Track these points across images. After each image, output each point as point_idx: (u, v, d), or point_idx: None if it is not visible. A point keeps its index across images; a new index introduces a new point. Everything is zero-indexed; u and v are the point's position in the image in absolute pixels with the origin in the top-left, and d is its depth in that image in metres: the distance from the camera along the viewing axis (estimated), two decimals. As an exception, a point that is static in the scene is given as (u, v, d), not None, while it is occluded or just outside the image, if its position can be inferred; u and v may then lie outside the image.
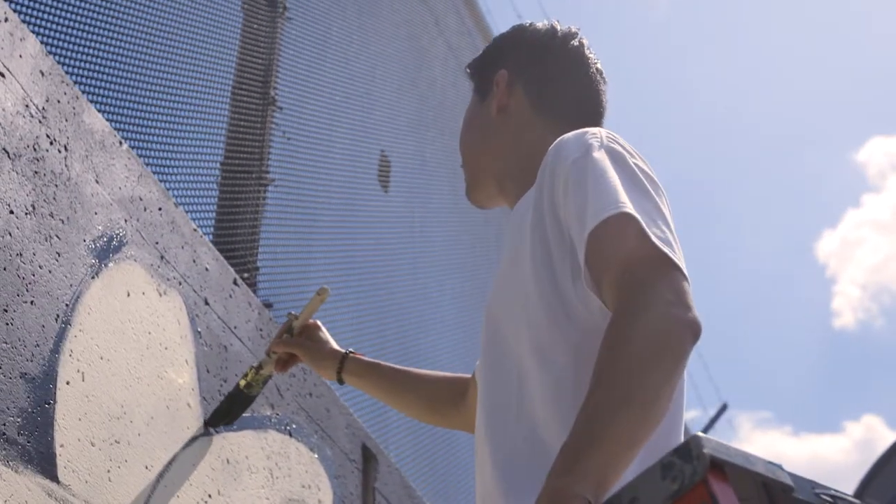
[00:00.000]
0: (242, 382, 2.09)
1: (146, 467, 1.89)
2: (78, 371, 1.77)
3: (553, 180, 1.42)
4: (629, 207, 1.30)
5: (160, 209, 2.15)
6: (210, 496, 2.06)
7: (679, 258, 1.28)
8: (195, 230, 2.28)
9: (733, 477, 1.00)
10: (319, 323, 2.12)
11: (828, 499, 1.02)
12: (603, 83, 1.72)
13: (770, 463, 1.02)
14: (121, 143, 2.08)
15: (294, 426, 2.48)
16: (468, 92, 1.85)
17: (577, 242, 1.34)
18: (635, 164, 1.40)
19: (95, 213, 1.93)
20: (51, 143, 1.86)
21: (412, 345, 3.80)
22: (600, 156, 1.39)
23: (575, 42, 1.71)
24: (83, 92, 2.04)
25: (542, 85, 1.70)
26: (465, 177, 1.77)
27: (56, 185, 1.85)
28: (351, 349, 2.06)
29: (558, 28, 1.72)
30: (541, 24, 1.74)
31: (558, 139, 1.49)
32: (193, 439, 2.06)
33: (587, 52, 1.72)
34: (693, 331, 1.21)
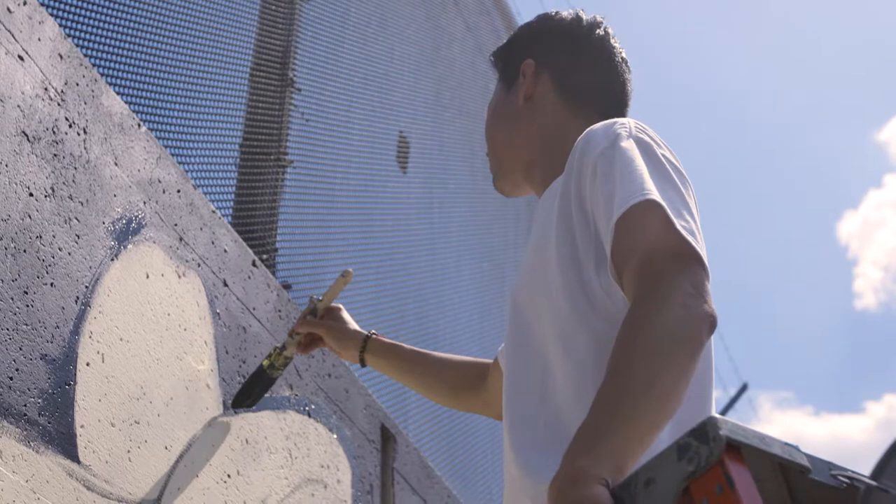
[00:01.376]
0: (265, 363, 2.10)
1: (166, 448, 1.90)
2: (98, 352, 1.79)
3: (581, 170, 1.43)
4: (655, 195, 1.31)
5: (179, 191, 2.16)
6: (229, 476, 2.07)
7: (702, 249, 1.29)
8: (214, 212, 2.28)
9: (749, 458, 0.99)
10: (342, 306, 2.14)
11: (845, 480, 1.01)
12: (628, 72, 1.73)
13: (787, 444, 1.02)
14: (139, 125, 2.09)
15: (313, 407, 2.49)
16: (487, 72, 1.87)
17: (603, 231, 1.35)
18: (663, 154, 1.41)
19: (114, 196, 1.94)
20: (70, 126, 1.87)
21: (431, 325, 3.81)
22: (629, 145, 1.39)
23: (600, 31, 1.72)
24: (102, 75, 2.04)
25: (568, 74, 1.70)
26: (491, 166, 1.77)
27: (75, 168, 1.85)
28: (373, 331, 2.08)
29: (584, 17, 1.73)
30: (566, 13, 1.75)
31: (587, 129, 1.50)
32: (213, 420, 2.07)
33: (612, 41, 1.72)
34: (710, 323, 1.23)
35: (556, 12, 1.76)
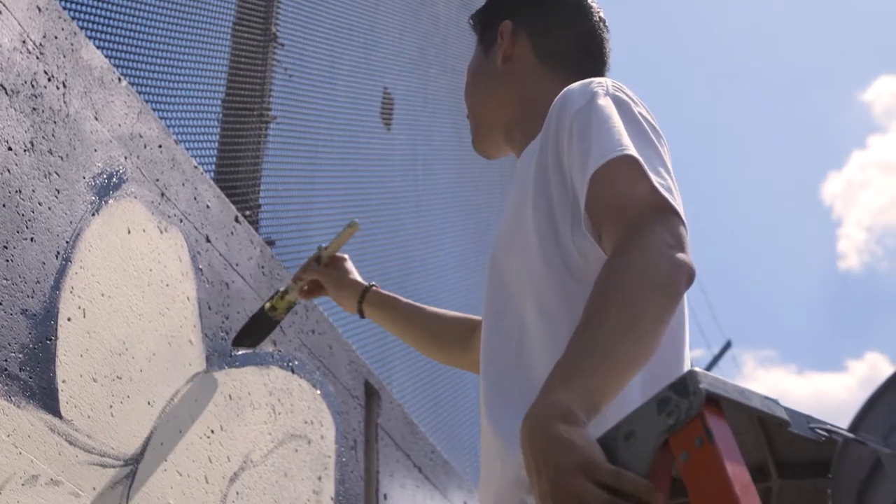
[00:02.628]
0: (267, 305, 2.16)
1: (148, 403, 1.90)
2: (79, 307, 1.78)
3: (558, 129, 1.44)
4: (632, 150, 1.32)
5: (160, 146, 2.14)
6: (213, 431, 2.07)
7: (678, 204, 1.30)
8: (196, 167, 2.27)
9: (729, 412, 1.00)
10: (347, 256, 2.21)
11: (823, 433, 1.02)
12: (606, 32, 1.74)
13: (766, 398, 1.03)
14: (120, 79, 2.06)
15: (296, 363, 2.49)
16: (471, 29, 1.84)
17: (579, 187, 1.35)
18: (639, 112, 1.41)
19: (95, 150, 1.93)
20: (49, 80, 1.85)
21: (414, 284, 3.81)
22: (605, 103, 1.40)
23: None
24: (81, 28, 2.02)
25: (546, 34, 1.70)
26: (470, 127, 1.78)
27: (55, 122, 1.83)
28: (374, 283, 2.14)
29: None
30: None
31: (564, 89, 1.50)
32: (196, 375, 2.07)
33: (590, 1, 1.73)
34: (688, 273, 1.24)
35: None
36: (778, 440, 1.07)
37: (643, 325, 1.16)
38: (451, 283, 4.30)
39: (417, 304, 2.15)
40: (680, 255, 1.22)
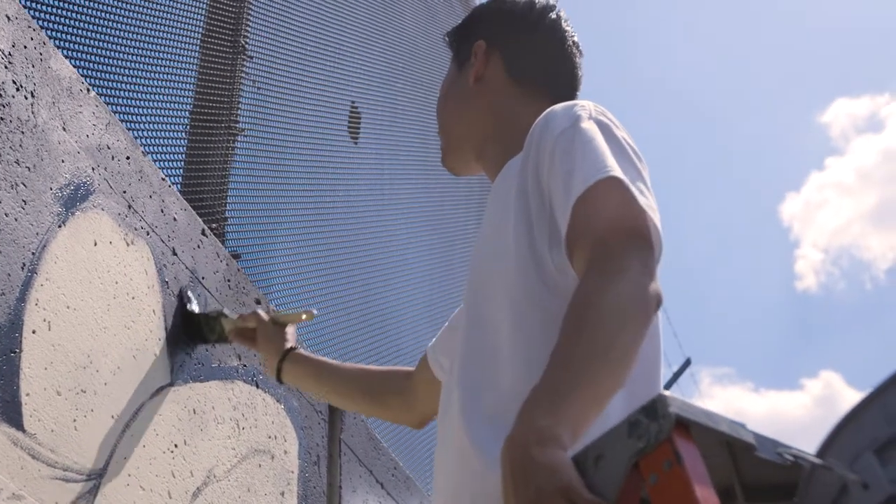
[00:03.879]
0: (201, 318, 2.20)
1: (112, 417, 1.89)
2: (44, 320, 1.76)
3: (539, 149, 1.46)
4: (618, 172, 1.34)
5: (128, 158, 2.13)
6: (176, 446, 2.06)
7: (659, 225, 1.33)
8: (163, 179, 2.26)
9: (697, 435, 1.01)
10: (291, 331, 2.15)
11: (790, 458, 1.03)
12: (579, 55, 1.77)
13: (733, 422, 1.04)
14: (88, 90, 2.05)
15: (261, 377, 2.48)
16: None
17: (561, 208, 1.38)
18: (622, 136, 1.44)
19: (62, 161, 1.91)
20: (17, 90, 1.84)
21: (378, 298, 3.81)
22: (589, 126, 1.43)
23: (553, 15, 1.75)
24: (50, 38, 2.01)
25: (519, 55, 1.73)
26: (441, 144, 1.79)
27: (22, 132, 1.82)
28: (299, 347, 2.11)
29: (537, 1, 1.75)
30: None
31: (547, 110, 1.53)
32: (160, 389, 2.06)
33: (564, 24, 1.75)
34: (657, 300, 1.27)
35: None
36: (744, 463, 1.08)
37: (617, 353, 1.18)
38: (415, 297, 4.30)
39: (338, 362, 2.11)
40: (649, 284, 1.25)
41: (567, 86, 1.73)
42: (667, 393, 1.01)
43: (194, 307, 2.22)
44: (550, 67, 1.73)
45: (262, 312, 2.15)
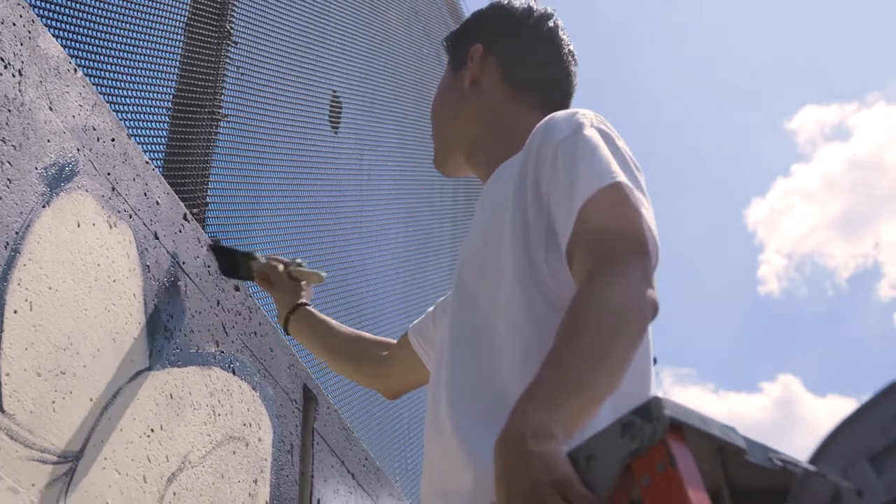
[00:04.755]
0: (250, 261, 2.42)
1: (91, 399, 1.88)
2: (26, 300, 1.75)
3: (539, 155, 1.47)
4: (622, 177, 1.36)
5: (113, 140, 2.12)
6: (153, 430, 2.05)
7: (656, 237, 1.36)
8: (147, 163, 2.25)
9: (689, 438, 1.02)
10: (306, 286, 2.40)
11: (779, 463, 1.05)
12: (574, 64, 1.79)
13: (725, 426, 1.05)
14: (76, 70, 2.04)
15: (238, 364, 2.47)
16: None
17: (562, 214, 1.39)
18: (623, 147, 1.46)
19: (48, 141, 1.90)
20: (4, 67, 1.82)
21: (354, 290, 3.80)
22: (591, 133, 1.44)
23: (550, 23, 1.77)
24: (39, 16, 1.99)
25: (515, 61, 1.75)
26: (434, 145, 1.81)
27: (9, 111, 1.80)
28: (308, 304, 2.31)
29: (535, 8, 1.78)
30: (518, 2, 1.80)
31: (548, 117, 1.54)
32: (138, 373, 2.05)
33: (561, 33, 1.77)
34: (654, 308, 1.29)
35: (509, 2, 1.81)
36: (734, 468, 1.10)
37: (613, 358, 1.20)
38: (389, 289, 4.30)
39: (338, 324, 2.28)
40: (647, 291, 1.27)
41: (561, 93, 1.75)
42: (661, 395, 1.02)
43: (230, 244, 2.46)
44: (545, 74, 1.74)
45: (283, 262, 2.39)
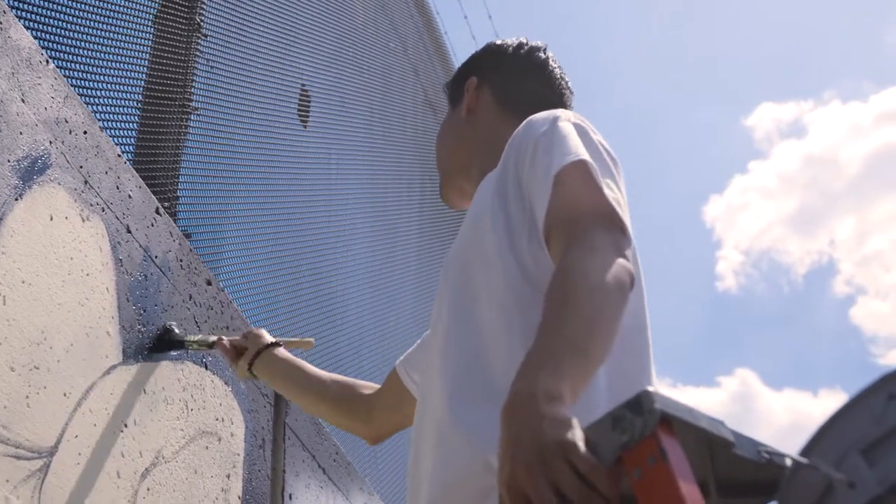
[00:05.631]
0: (190, 340, 2.26)
1: (65, 395, 1.86)
2: (0, 294, 1.73)
3: (519, 151, 1.52)
4: (587, 156, 1.41)
5: (85, 133, 2.10)
6: (126, 426, 2.04)
7: (627, 219, 1.39)
8: (119, 156, 2.23)
9: (678, 431, 1.03)
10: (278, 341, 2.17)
11: (766, 456, 1.05)
12: (569, 92, 1.86)
13: (713, 419, 1.06)
14: (47, 62, 2.02)
15: (210, 359, 2.46)
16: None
17: (539, 198, 1.42)
18: (598, 140, 1.50)
19: (20, 133, 1.88)
20: (-23, 57, 1.80)
21: (325, 284, 3.79)
22: (566, 126, 1.49)
23: (541, 53, 1.85)
24: (10, 6, 1.96)
25: (508, 87, 1.82)
26: (439, 179, 1.88)
27: (-19, 102, 1.78)
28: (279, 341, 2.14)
29: (526, 42, 1.87)
30: (511, 39, 1.89)
31: (527, 118, 1.59)
32: (112, 368, 2.03)
33: (552, 62, 1.85)
34: (631, 277, 1.31)
35: (502, 40, 1.90)
36: (720, 460, 1.10)
37: (602, 325, 1.21)
38: (359, 282, 4.29)
39: (311, 366, 2.12)
40: (620, 261, 1.30)
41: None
42: (652, 388, 1.02)
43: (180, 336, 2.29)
44: (537, 95, 1.80)
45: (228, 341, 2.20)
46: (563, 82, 1.84)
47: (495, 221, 1.49)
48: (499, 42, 1.89)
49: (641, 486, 0.99)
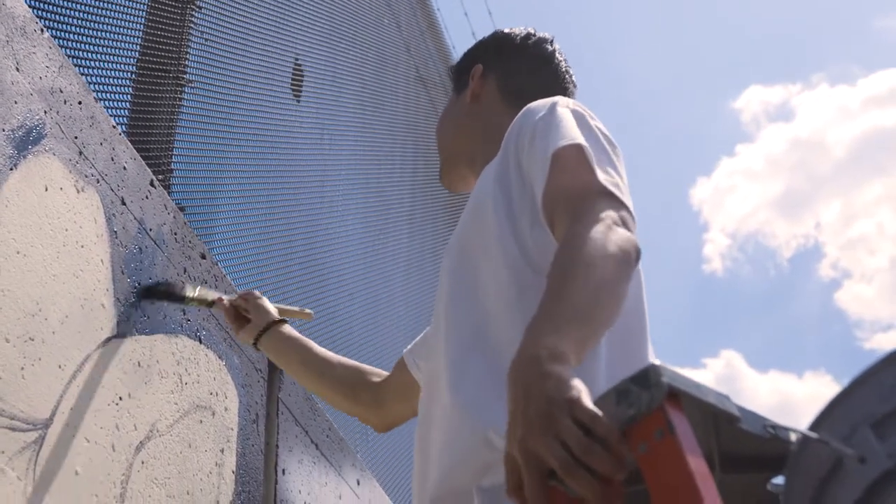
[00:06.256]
0: (190, 293, 2.24)
1: (59, 367, 1.85)
2: (-6, 265, 1.71)
3: (518, 137, 1.54)
4: (581, 140, 1.43)
5: (80, 103, 2.08)
6: (121, 398, 2.03)
7: (627, 199, 1.40)
8: (114, 127, 2.21)
9: (685, 405, 1.02)
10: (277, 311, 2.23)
11: (771, 431, 1.05)
12: (572, 85, 1.87)
13: (719, 394, 1.05)
14: (42, 30, 1.99)
15: (204, 332, 2.45)
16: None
17: (539, 180, 1.44)
18: (596, 125, 1.52)
19: (15, 103, 1.85)
20: (-29, 25, 1.77)
21: (318, 258, 3.78)
22: (563, 111, 1.52)
23: (548, 45, 1.87)
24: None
25: (512, 77, 1.84)
26: (439, 162, 1.90)
27: (-24, 70, 1.76)
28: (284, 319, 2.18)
29: (533, 32, 1.88)
30: (518, 29, 1.91)
31: (526, 106, 1.61)
32: (106, 341, 2.02)
33: (558, 55, 1.87)
34: (636, 250, 1.32)
35: (510, 29, 1.92)
36: (725, 434, 1.10)
37: (607, 287, 1.22)
38: (353, 256, 4.28)
39: (320, 348, 2.14)
40: (622, 232, 1.31)
41: None
42: (658, 362, 1.01)
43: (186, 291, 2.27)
44: (541, 85, 1.81)
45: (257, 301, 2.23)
46: (567, 76, 1.86)
47: (497, 207, 1.50)
48: (507, 31, 1.91)
49: (647, 460, 0.98)
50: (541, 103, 1.57)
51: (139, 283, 2.19)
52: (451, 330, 1.49)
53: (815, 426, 0.93)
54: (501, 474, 1.15)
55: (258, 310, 2.17)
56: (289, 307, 2.29)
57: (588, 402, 1.04)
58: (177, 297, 2.23)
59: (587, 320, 1.18)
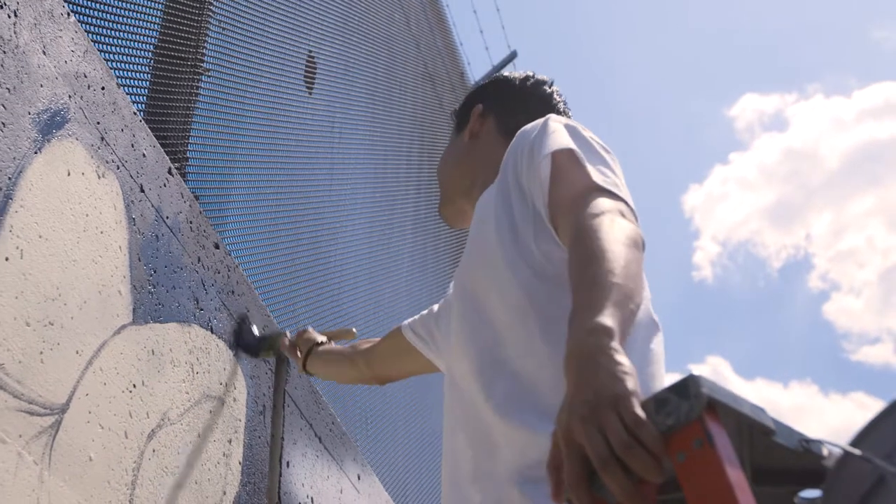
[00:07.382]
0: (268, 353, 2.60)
1: (77, 352, 1.85)
2: (17, 248, 1.71)
3: (516, 155, 1.61)
4: (573, 145, 1.51)
5: (103, 88, 2.07)
6: (135, 386, 2.03)
7: (627, 198, 1.45)
8: (135, 114, 2.20)
9: (721, 415, 1.03)
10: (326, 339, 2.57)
11: (804, 445, 1.06)
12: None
13: (755, 406, 1.06)
14: (69, 14, 1.99)
15: (216, 321, 2.45)
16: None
17: (537, 187, 1.51)
18: (590, 136, 1.58)
19: (41, 86, 1.85)
20: (0, 7, 1.77)
21: (324, 251, 3.78)
22: (555, 125, 1.59)
23: (546, 87, 1.96)
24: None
25: (510, 115, 1.92)
26: (440, 197, 2.00)
27: (4, 52, 1.76)
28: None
29: (532, 75, 1.98)
30: (518, 73, 2.01)
31: (521, 129, 1.68)
32: (122, 328, 2.02)
33: (556, 96, 1.96)
34: (642, 239, 1.38)
35: (510, 73, 2.02)
36: (758, 446, 1.11)
37: (629, 277, 1.24)
38: (358, 250, 4.29)
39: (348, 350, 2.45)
40: (623, 221, 1.35)
41: None
42: (698, 373, 1.02)
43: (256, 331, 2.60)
44: None
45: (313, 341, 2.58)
46: (565, 116, 1.91)
47: (499, 224, 1.56)
48: (507, 74, 2.01)
49: (685, 469, 0.99)
50: (533, 124, 1.64)
51: (155, 271, 2.18)
52: (470, 349, 1.55)
53: (855, 443, 0.93)
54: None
55: (303, 341, 2.52)
56: (332, 330, 2.57)
57: (636, 403, 1.04)
58: (251, 349, 2.57)
59: (621, 302, 1.19)
